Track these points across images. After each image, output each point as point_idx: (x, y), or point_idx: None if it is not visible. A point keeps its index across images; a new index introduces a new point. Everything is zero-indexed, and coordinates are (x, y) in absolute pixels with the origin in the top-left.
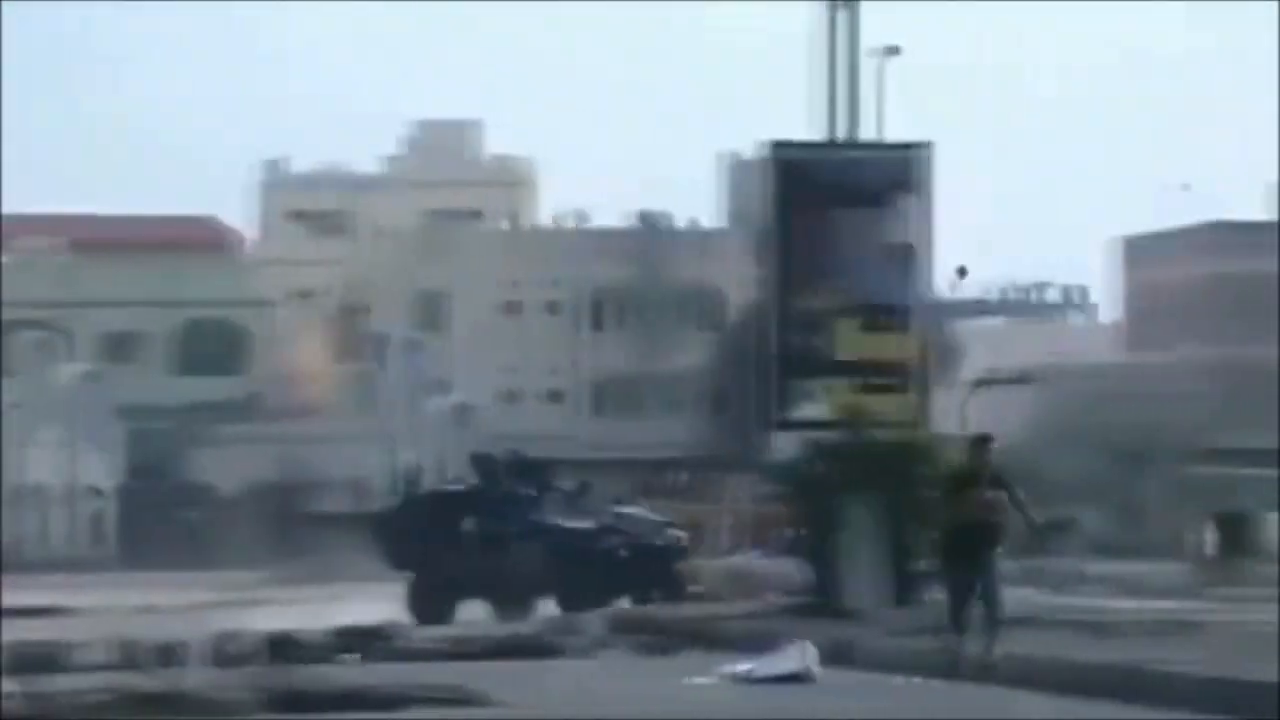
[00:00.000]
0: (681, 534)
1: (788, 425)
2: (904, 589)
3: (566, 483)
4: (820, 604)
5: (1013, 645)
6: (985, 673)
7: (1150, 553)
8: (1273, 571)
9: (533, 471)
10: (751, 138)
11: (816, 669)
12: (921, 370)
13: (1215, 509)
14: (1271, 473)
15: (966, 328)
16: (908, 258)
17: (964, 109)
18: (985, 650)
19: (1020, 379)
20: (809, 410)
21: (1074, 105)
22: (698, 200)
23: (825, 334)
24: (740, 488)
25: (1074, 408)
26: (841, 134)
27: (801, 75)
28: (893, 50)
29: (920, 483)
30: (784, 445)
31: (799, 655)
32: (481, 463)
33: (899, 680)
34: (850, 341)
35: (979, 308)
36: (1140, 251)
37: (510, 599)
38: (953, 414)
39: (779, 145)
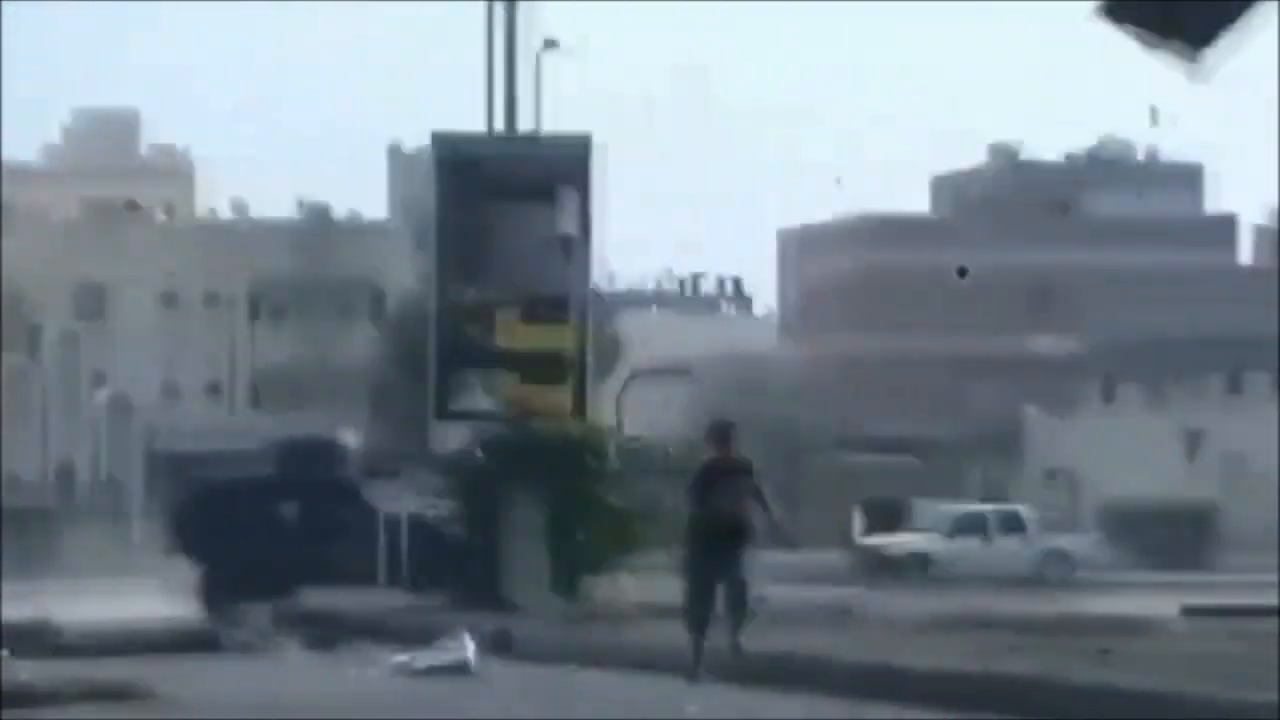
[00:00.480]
0: None
1: (449, 417)
2: (565, 579)
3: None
4: (484, 595)
5: (670, 635)
6: (737, 664)
7: (804, 540)
8: None
9: (344, 458)
10: (424, 131)
11: (475, 660)
12: (581, 361)
13: (865, 497)
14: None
15: (626, 319)
16: (568, 250)
17: (639, 104)
18: (732, 643)
19: (678, 371)
20: (470, 402)
21: (746, 103)
22: (368, 194)
23: (486, 326)
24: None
25: (729, 398)
26: (516, 128)
27: (473, 69)
28: (551, 44)
29: (580, 473)
30: (447, 437)
31: (459, 647)
32: (294, 449)
33: (557, 670)
34: (511, 333)
35: (638, 299)
36: (794, 244)
37: (343, 583)
38: (611, 405)
39: (440, 138)
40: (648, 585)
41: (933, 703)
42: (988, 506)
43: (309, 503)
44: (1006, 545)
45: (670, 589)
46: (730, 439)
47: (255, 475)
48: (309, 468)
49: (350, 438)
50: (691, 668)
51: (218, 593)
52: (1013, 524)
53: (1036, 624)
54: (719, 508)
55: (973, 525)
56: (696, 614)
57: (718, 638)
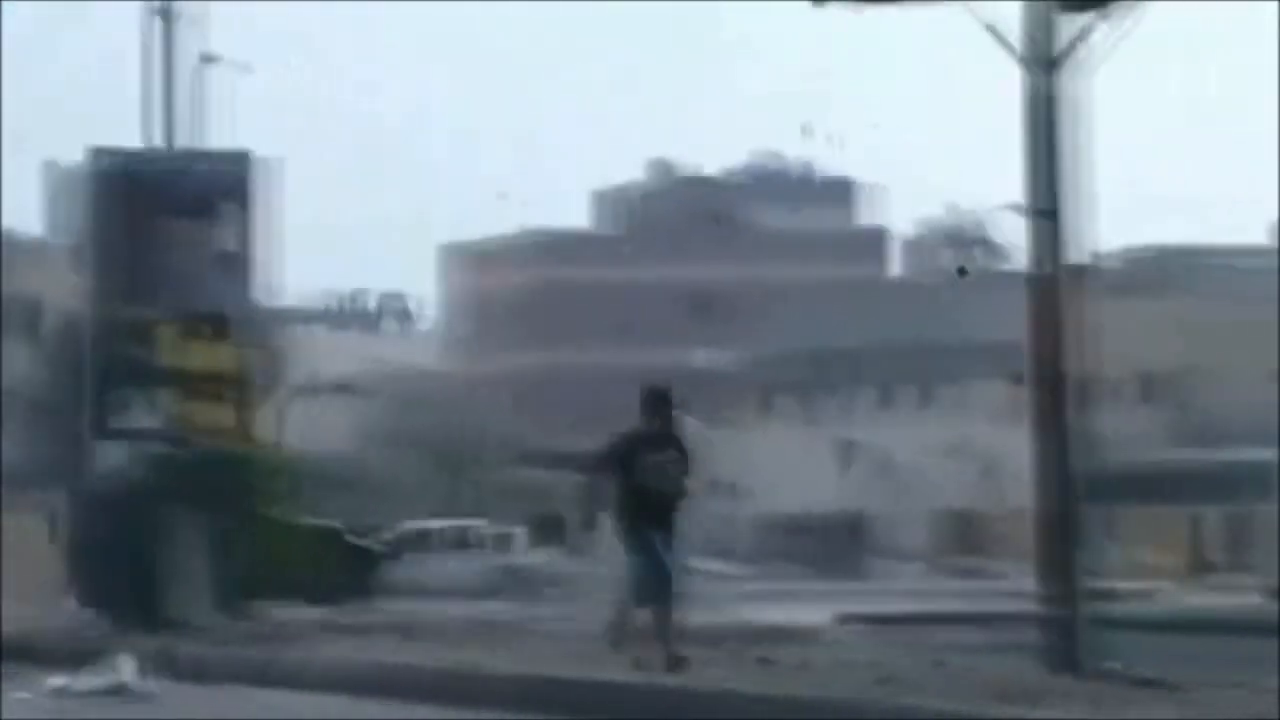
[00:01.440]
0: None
1: (109, 435)
2: (230, 597)
3: None
4: (146, 614)
5: (340, 651)
6: (674, 638)
7: (471, 555)
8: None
9: None
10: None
11: (136, 681)
12: (244, 378)
13: (532, 511)
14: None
15: (290, 336)
16: (228, 266)
17: (315, 120)
18: (664, 634)
19: (340, 387)
20: (131, 419)
21: (414, 118)
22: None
23: (146, 343)
24: (59, 501)
25: (393, 414)
26: (179, 143)
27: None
28: (209, 58)
29: (243, 490)
30: (108, 455)
31: (118, 668)
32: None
33: (223, 690)
34: (171, 350)
35: (301, 315)
36: (457, 260)
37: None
38: (274, 422)
39: (96, 152)
40: (315, 602)
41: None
42: (437, 523)
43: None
44: (453, 561)
45: (340, 608)
46: (666, 406)
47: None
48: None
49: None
50: (617, 636)
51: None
52: (461, 540)
53: (694, 634)
54: (649, 478)
55: (419, 541)
56: (647, 587)
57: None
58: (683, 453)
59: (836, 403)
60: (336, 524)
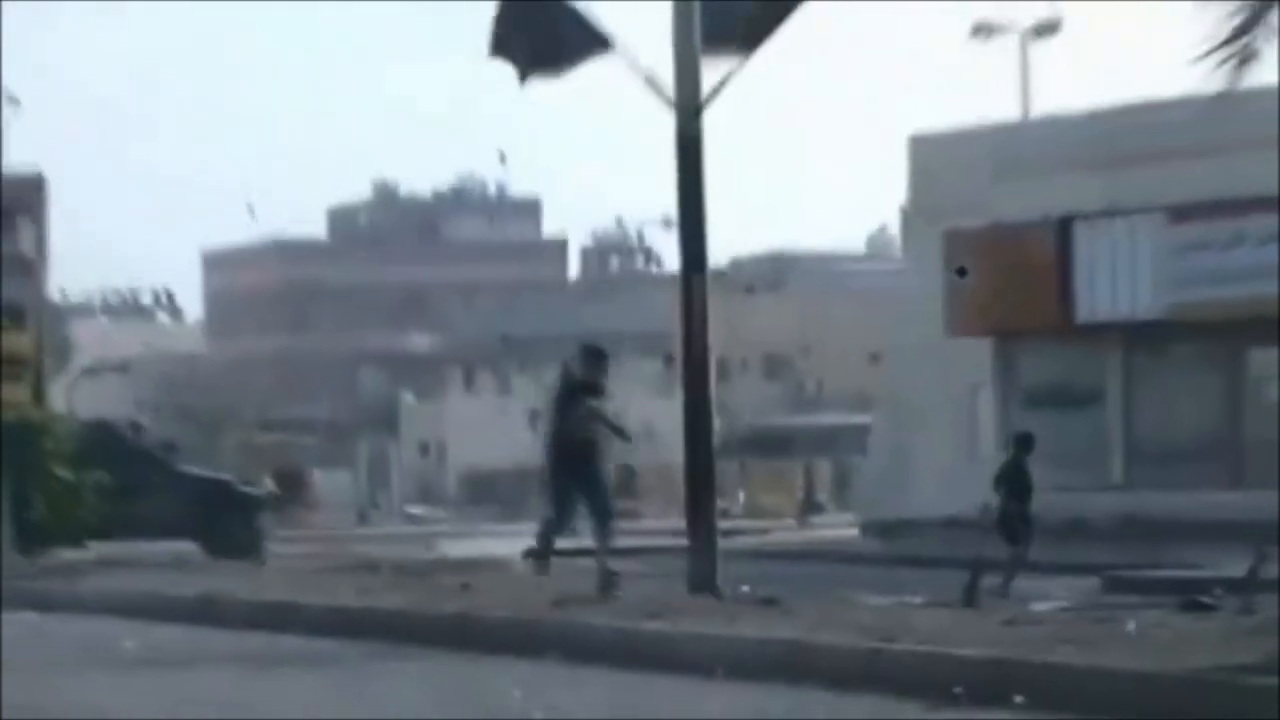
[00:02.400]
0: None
1: None
2: (26, 541)
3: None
4: None
5: (119, 582)
6: (608, 583)
7: None
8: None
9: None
10: None
11: None
12: (38, 361)
13: (274, 466)
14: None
15: (77, 326)
16: (24, 268)
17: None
18: (600, 562)
19: (119, 368)
20: None
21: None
22: None
23: None
24: None
25: (163, 390)
26: None
27: None
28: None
29: (37, 453)
30: None
31: None
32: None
33: (18, 615)
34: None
35: (85, 309)
36: (216, 261)
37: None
38: (63, 398)
39: None
40: (99, 544)
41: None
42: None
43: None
44: None
45: (117, 548)
46: (600, 363)
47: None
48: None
49: None
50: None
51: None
52: None
53: (409, 567)
54: (574, 427)
55: None
56: (560, 528)
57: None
58: (600, 406)
59: (524, 378)
60: (227, 476)
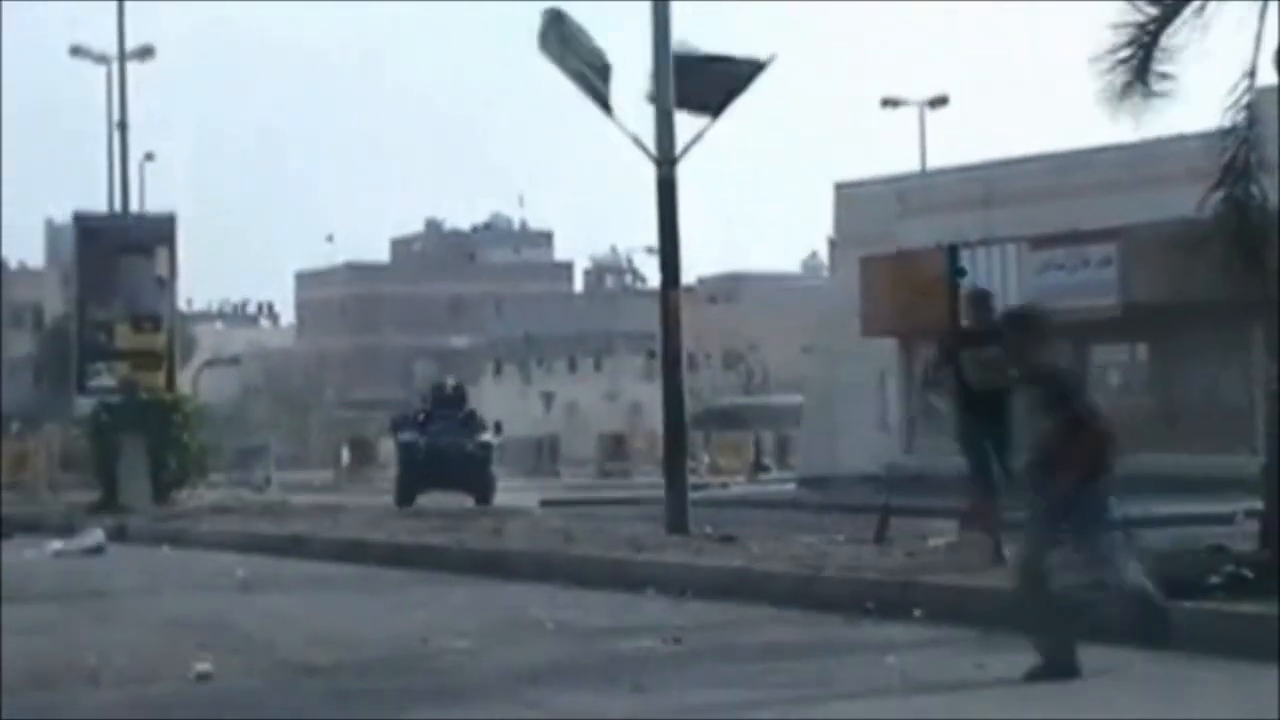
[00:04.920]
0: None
1: (86, 391)
2: (160, 492)
3: None
4: (109, 503)
5: (231, 524)
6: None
7: (313, 464)
8: (384, 474)
9: None
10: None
11: (105, 544)
12: (170, 355)
13: (349, 436)
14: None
15: (198, 329)
16: (161, 285)
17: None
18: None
19: (231, 362)
20: (99, 381)
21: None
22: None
23: (109, 333)
24: (54, 432)
25: (265, 378)
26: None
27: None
28: (150, 157)
29: (169, 424)
30: (84, 404)
31: (93, 536)
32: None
33: (156, 550)
34: (125, 338)
35: (206, 316)
36: (305, 279)
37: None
38: (191, 383)
39: (79, 215)
40: (217, 494)
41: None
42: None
43: None
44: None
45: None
46: (988, 308)
47: None
48: None
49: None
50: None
51: None
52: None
53: (453, 513)
54: (976, 378)
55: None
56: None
57: None
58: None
59: (541, 370)
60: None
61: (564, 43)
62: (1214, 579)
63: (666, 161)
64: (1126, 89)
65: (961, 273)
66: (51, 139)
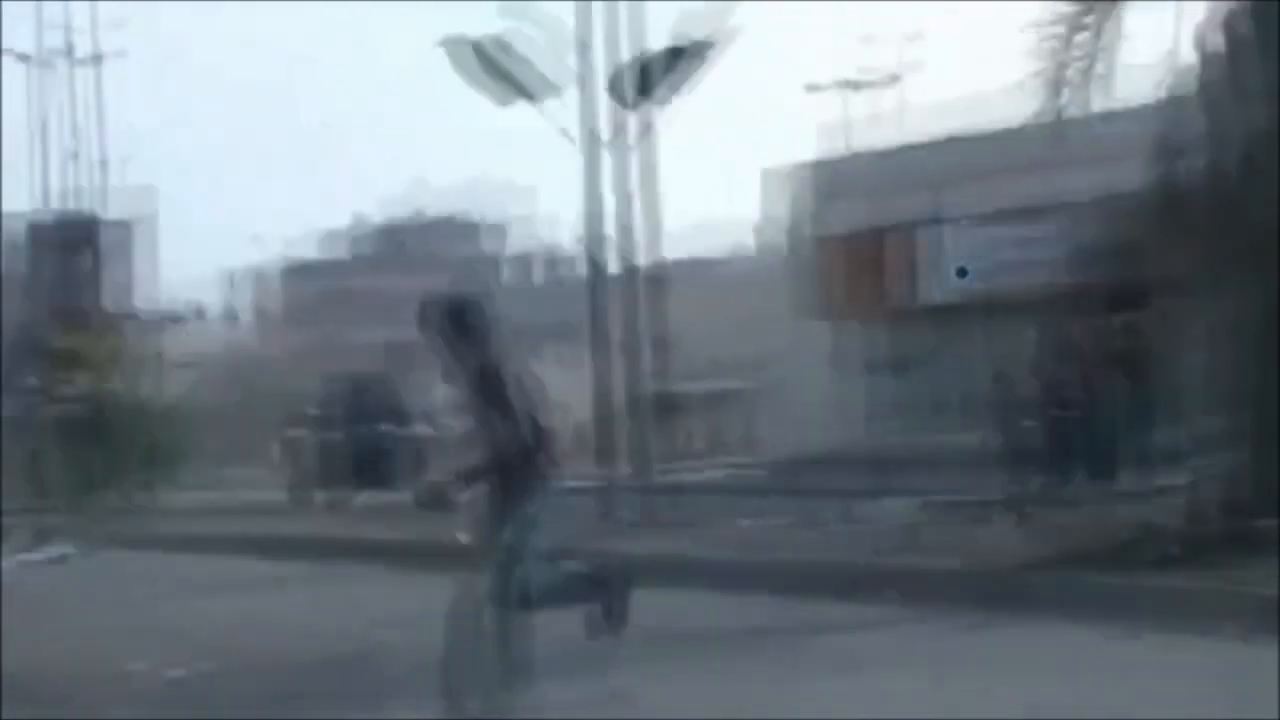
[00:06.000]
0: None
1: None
2: (119, 490)
3: None
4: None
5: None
6: None
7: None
8: None
9: None
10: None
11: (70, 554)
12: (121, 356)
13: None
14: None
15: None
16: (122, 290)
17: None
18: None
19: (190, 364)
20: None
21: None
22: None
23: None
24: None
25: (219, 375)
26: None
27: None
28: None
29: (122, 424)
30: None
31: (58, 548)
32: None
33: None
34: (83, 341)
35: (173, 316)
36: (264, 276)
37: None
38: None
39: (33, 221)
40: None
41: None
42: None
43: None
44: None
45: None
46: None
47: None
48: None
49: None
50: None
51: None
52: None
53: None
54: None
55: None
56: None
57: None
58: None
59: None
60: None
61: (489, 70)
62: (1149, 554)
63: (620, 148)
64: (1059, 73)
65: (962, 273)
66: None
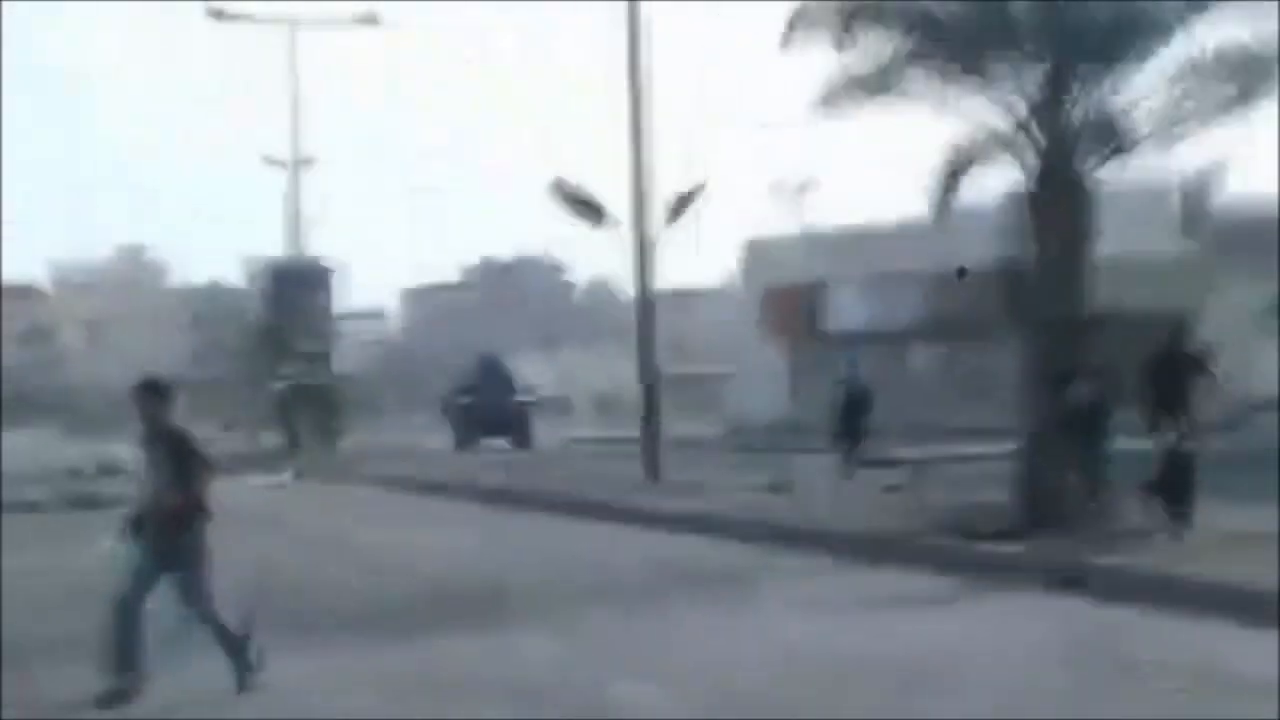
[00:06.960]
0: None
1: (277, 378)
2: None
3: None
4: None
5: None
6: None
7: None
8: None
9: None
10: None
11: (295, 480)
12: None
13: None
14: None
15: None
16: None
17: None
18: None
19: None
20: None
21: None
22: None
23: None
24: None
25: (397, 356)
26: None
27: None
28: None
29: (330, 400)
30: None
31: (287, 473)
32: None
33: (332, 486)
34: (306, 341)
35: (364, 314)
36: (418, 294)
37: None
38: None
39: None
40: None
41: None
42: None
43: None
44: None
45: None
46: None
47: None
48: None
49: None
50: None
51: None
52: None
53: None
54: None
55: None
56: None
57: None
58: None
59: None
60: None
61: None
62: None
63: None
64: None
65: (962, 273)
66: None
